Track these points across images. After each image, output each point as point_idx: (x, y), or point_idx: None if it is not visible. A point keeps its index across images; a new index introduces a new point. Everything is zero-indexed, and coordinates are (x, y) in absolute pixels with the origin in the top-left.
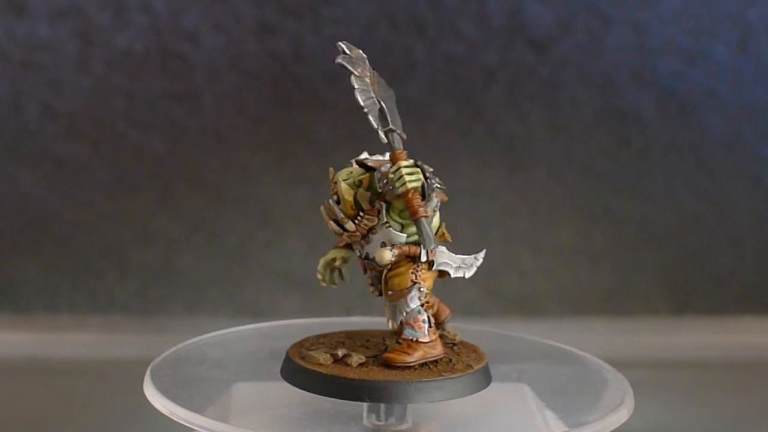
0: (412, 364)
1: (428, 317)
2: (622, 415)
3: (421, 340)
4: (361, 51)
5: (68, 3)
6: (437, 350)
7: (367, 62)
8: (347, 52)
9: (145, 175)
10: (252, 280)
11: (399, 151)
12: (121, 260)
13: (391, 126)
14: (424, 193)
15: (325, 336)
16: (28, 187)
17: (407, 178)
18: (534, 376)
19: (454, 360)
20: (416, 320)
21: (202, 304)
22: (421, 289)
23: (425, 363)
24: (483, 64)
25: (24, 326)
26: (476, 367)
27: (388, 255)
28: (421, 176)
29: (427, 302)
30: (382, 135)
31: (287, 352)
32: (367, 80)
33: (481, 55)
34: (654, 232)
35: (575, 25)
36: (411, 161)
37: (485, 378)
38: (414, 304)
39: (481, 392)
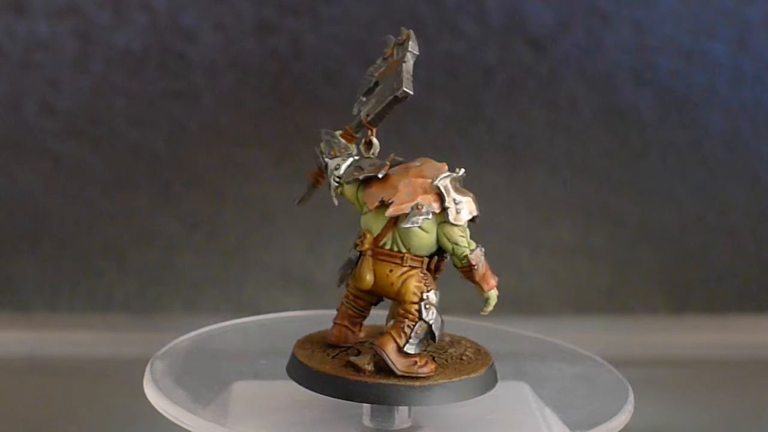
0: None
1: (341, 304)
2: (622, 420)
3: None
4: (409, 38)
5: (67, 2)
6: (331, 335)
7: (408, 52)
8: (406, 38)
9: (145, 174)
10: (251, 278)
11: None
12: (120, 258)
13: (360, 101)
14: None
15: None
16: (27, 186)
17: None
18: (534, 375)
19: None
20: None
21: (202, 302)
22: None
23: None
24: (482, 62)
25: (23, 324)
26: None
27: None
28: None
29: (346, 296)
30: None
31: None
32: (385, 65)
33: (481, 53)
34: (653, 230)
35: (574, 24)
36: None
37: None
38: None
39: None
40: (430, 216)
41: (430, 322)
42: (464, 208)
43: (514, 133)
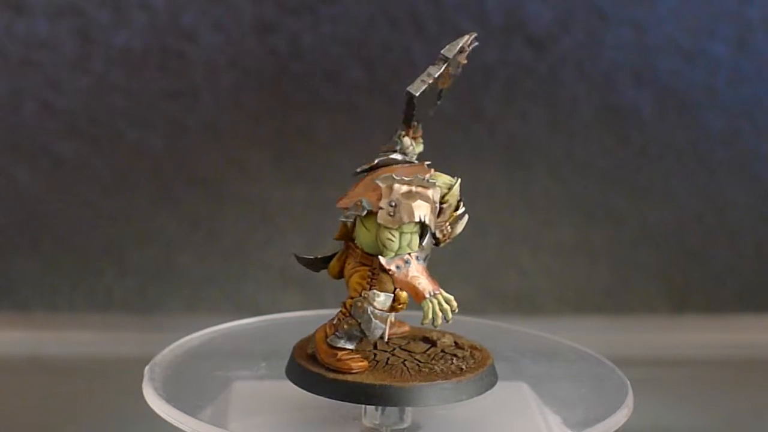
0: None
1: None
2: (620, 417)
3: None
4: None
5: (67, 1)
6: None
7: (441, 54)
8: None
9: (144, 174)
10: (251, 278)
11: None
12: (120, 258)
13: None
14: None
15: None
16: (26, 185)
17: None
18: (534, 374)
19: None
20: None
21: (201, 301)
22: None
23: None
24: (482, 62)
25: (23, 324)
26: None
27: None
28: None
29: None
30: None
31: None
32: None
33: (481, 53)
34: (653, 230)
35: (574, 24)
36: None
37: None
38: None
39: None
40: (364, 213)
41: (359, 319)
42: (401, 212)
43: (513, 133)
